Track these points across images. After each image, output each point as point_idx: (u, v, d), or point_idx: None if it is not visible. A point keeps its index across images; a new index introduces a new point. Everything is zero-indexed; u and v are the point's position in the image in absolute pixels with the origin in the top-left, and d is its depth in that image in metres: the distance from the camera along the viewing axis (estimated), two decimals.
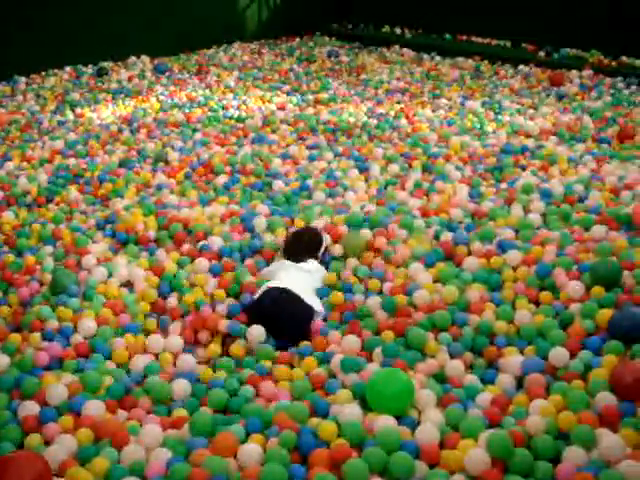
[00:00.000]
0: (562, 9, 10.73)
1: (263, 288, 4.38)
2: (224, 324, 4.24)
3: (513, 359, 3.75)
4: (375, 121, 7.89)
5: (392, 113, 8.29)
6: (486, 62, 10.92)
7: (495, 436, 3.09)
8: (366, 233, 5.02)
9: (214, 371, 3.92)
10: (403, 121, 7.87)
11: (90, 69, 10.64)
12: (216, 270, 4.78)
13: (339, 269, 4.76)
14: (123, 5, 10.91)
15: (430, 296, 4.29)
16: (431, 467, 3.11)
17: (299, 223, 5.26)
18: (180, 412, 3.56)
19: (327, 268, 4.78)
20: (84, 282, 4.64)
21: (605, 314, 3.89)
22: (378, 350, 3.88)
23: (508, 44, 11.52)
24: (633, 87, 9.31)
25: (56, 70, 10.52)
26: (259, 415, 3.41)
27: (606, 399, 3.30)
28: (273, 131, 7.77)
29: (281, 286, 4.34)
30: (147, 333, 4.27)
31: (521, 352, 3.86)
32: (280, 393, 3.64)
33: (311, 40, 12.88)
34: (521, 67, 10.49)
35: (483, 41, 11.74)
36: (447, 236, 4.94)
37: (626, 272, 4.25)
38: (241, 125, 7.97)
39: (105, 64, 10.72)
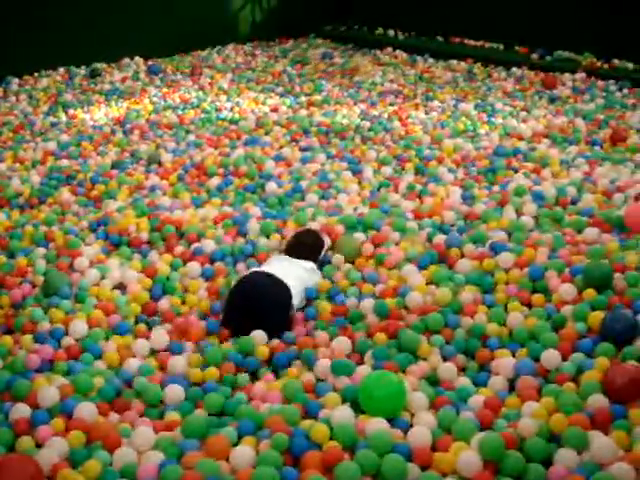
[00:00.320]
0: (555, 12, 10.74)
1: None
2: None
3: (505, 361, 3.76)
4: (368, 123, 7.89)
5: (385, 115, 8.30)
6: (479, 64, 10.92)
7: (487, 438, 3.09)
8: (359, 236, 5.03)
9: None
10: (396, 123, 7.87)
11: (83, 70, 10.62)
12: (208, 274, 4.79)
13: (331, 273, 4.78)
14: (116, 7, 10.88)
15: (423, 298, 4.30)
16: (423, 470, 3.11)
17: (292, 225, 5.26)
18: (172, 415, 3.56)
19: (321, 270, 4.79)
20: (76, 284, 4.63)
21: (597, 316, 3.90)
22: (369, 353, 3.88)
23: (501, 47, 11.53)
24: (625, 90, 9.33)
25: (49, 71, 10.49)
26: (251, 417, 3.41)
27: (598, 401, 3.31)
28: (266, 133, 7.76)
29: (266, 271, 4.38)
30: (138, 336, 4.26)
31: (513, 354, 3.86)
32: (271, 395, 3.64)
33: (304, 42, 12.87)
34: (514, 70, 10.50)
35: (476, 44, 11.74)
36: (440, 238, 4.95)
37: (618, 274, 4.26)
38: (234, 127, 7.96)
39: (98, 65, 10.70)
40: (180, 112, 8.59)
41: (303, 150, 7.22)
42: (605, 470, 2.98)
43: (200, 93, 9.48)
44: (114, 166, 6.82)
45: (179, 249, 5.05)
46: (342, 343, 4.00)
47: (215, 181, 6.42)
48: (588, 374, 3.51)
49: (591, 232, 4.88)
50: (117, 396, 3.72)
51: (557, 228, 5.12)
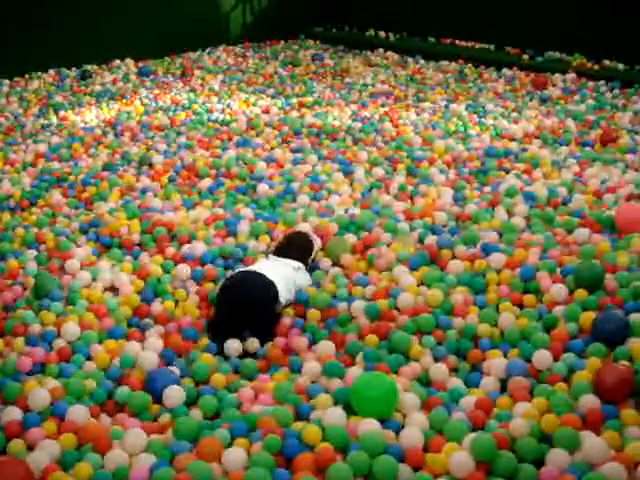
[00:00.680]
0: (545, 13, 10.76)
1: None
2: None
3: (497, 362, 3.76)
4: (359, 124, 7.89)
5: (376, 116, 8.30)
6: (470, 65, 10.95)
7: (479, 439, 3.09)
8: (350, 238, 5.04)
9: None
10: (387, 124, 7.87)
11: (74, 72, 10.61)
12: (198, 276, 4.79)
13: (321, 275, 4.78)
14: (107, 8, 10.87)
15: (414, 299, 4.30)
16: (415, 470, 3.11)
17: (282, 227, 5.27)
18: (164, 417, 3.55)
19: (311, 274, 4.79)
20: (67, 286, 4.62)
21: (588, 317, 3.91)
22: (361, 354, 3.88)
23: (492, 47, 11.55)
24: (616, 90, 9.35)
25: (39, 73, 10.48)
26: (243, 419, 3.41)
27: (589, 402, 3.32)
28: (257, 134, 7.76)
29: (254, 269, 4.43)
30: (129, 338, 4.25)
31: (505, 355, 3.87)
32: (263, 397, 3.63)
33: (295, 43, 12.87)
34: (505, 70, 10.53)
35: (467, 44, 11.77)
36: (431, 239, 4.95)
37: (609, 275, 4.27)
38: (225, 128, 7.96)
39: (89, 67, 10.69)
40: (171, 114, 8.58)
41: (294, 151, 7.22)
42: (597, 470, 2.99)
43: (191, 95, 9.47)
44: (105, 168, 6.81)
45: (170, 251, 5.04)
46: (327, 347, 4.03)
47: (206, 183, 6.41)
48: (579, 374, 3.52)
49: (582, 233, 4.88)
50: (109, 399, 3.71)
51: (548, 229, 5.13)
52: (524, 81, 10.00)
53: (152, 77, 10.44)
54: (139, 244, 5.24)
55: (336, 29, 13.27)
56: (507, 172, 6.43)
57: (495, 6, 11.25)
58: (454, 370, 3.90)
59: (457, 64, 11.02)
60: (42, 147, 7.32)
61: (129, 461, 3.19)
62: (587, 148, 7.16)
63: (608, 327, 3.76)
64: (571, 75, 9.99)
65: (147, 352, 4.00)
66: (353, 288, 4.56)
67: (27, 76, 10.37)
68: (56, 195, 6.18)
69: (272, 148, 7.34)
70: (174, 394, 3.64)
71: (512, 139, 7.42)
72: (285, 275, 4.50)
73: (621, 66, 10.12)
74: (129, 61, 11.12)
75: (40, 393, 3.56)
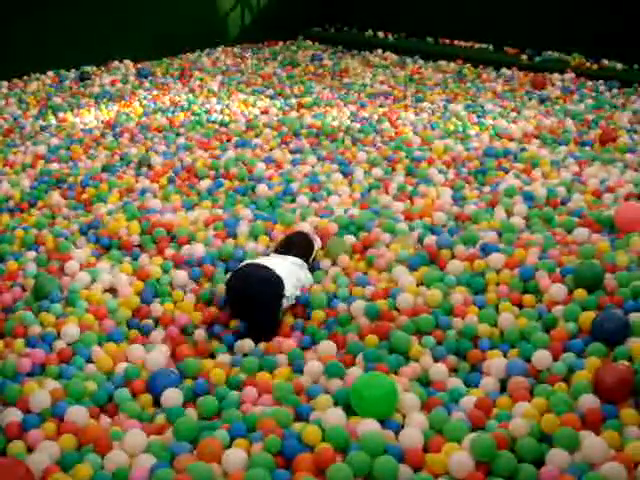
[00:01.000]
0: (543, 12, 10.77)
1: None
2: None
3: (496, 362, 3.76)
4: (358, 125, 7.89)
5: (375, 117, 8.30)
6: (469, 65, 10.95)
7: (479, 439, 3.10)
8: (349, 238, 5.04)
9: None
10: (386, 125, 7.88)
11: (72, 73, 10.60)
12: (196, 276, 4.79)
13: (321, 275, 4.78)
14: (105, 9, 10.86)
15: (413, 299, 4.30)
16: (415, 471, 3.12)
17: (282, 227, 5.27)
18: (164, 418, 3.55)
19: (312, 273, 4.79)
20: (67, 287, 4.61)
21: (588, 316, 3.91)
22: (361, 355, 3.88)
23: (491, 47, 11.55)
24: (614, 90, 9.36)
25: (38, 74, 10.47)
26: (243, 420, 3.41)
27: (589, 401, 3.32)
28: (256, 135, 7.76)
29: (263, 264, 4.43)
30: (130, 341, 4.25)
31: (504, 355, 3.87)
32: (263, 397, 3.63)
33: (294, 44, 12.87)
34: (504, 70, 10.53)
35: (466, 45, 11.77)
36: (430, 239, 4.95)
37: (608, 274, 4.27)
38: (224, 129, 7.96)
39: (88, 68, 10.68)
40: (170, 115, 8.58)
41: (293, 152, 7.22)
42: (596, 470, 3.00)
43: (190, 96, 9.46)
44: (104, 169, 6.81)
45: (170, 252, 5.04)
46: (328, 347, 4.03)
47: (205, 184, 6.41)
48: (579, 374, 3.52)
49: (581, 232, 4.89)
50: (109, 400, 3.71)
51: (547, 228, 5.13)
52: (523, 81, 10.01)
53: (151, 78, 10.43)
54: (138, 245, 5.24)
55: (335, 29, 13.27)
56: (506, 172, 6.44)
57: (494, 6, 11.26)
58: (454, 370, 3.91)
59: (456, 64, 11.02)
60: (41, 148, 7.31)
61: (129, 462, 3.19)
62: (586, 148, 7.16)
63: (608, 327, 3.76)
64: (570, 75, 10.00)
65: (152, 355, 4.00)
66: (353, 288, 4.56)
67: (26, 77, 10.35)
68: (55, 196, 6.17)
69: (271, 149, 7.34)
70: (172, 395, 3.64)
71: (511, 139, 7.42)
72: (290, 269, 4.51)
73: (620, 66, 10.13)
74: (128, 62, 11.11)
75: (40, 394, 3.56)
